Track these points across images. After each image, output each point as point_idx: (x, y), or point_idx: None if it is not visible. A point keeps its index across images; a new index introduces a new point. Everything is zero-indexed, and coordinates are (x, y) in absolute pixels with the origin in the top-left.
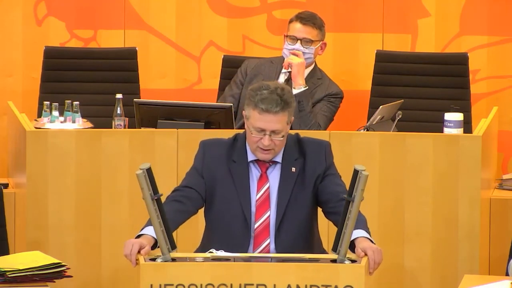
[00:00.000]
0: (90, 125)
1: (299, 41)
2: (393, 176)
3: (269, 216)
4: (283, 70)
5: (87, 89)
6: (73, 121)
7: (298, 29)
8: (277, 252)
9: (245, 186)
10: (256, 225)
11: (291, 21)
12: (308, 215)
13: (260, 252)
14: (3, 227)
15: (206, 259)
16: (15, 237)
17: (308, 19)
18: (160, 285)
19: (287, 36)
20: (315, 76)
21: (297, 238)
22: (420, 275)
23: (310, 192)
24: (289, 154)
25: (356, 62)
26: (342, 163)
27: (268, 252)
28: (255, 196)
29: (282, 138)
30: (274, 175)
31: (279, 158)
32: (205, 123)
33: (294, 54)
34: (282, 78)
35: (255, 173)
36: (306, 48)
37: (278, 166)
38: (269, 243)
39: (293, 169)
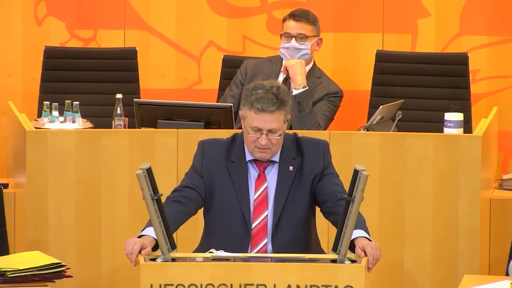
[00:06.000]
0: (90, 125)
1: (293, 38)
2: (393, 176)
3: (266, 215)
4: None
5: (87, 89)
6: (73, 121)
7: (291, 26)
8: (274, 252)
9: (244, 186)
10: (253, 225)
11: (284, 19)
12: (306, 214)
13: (257, 252)
14: (3, 227)
15: (206, 259)
16: (15, 237)
17: (301, 15)
18: (160, 285)
19: (282, 34)
20: (314, 75)
21: (294, 238)
22: (420, 275)
23: (308, 192)
24: (287, 154)
25: (356, 62)
26: (342, 163)
27: (266, 252)
28: (253, 195)
29: (279, 137)
30: (272, 174)
31: (277, 158)
32: (205, 123)
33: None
34: (281, 77)
35: (253, 172)
36: (301, 44)
37: (276, 166)
38: (266, 243)
39: (291, 168)
